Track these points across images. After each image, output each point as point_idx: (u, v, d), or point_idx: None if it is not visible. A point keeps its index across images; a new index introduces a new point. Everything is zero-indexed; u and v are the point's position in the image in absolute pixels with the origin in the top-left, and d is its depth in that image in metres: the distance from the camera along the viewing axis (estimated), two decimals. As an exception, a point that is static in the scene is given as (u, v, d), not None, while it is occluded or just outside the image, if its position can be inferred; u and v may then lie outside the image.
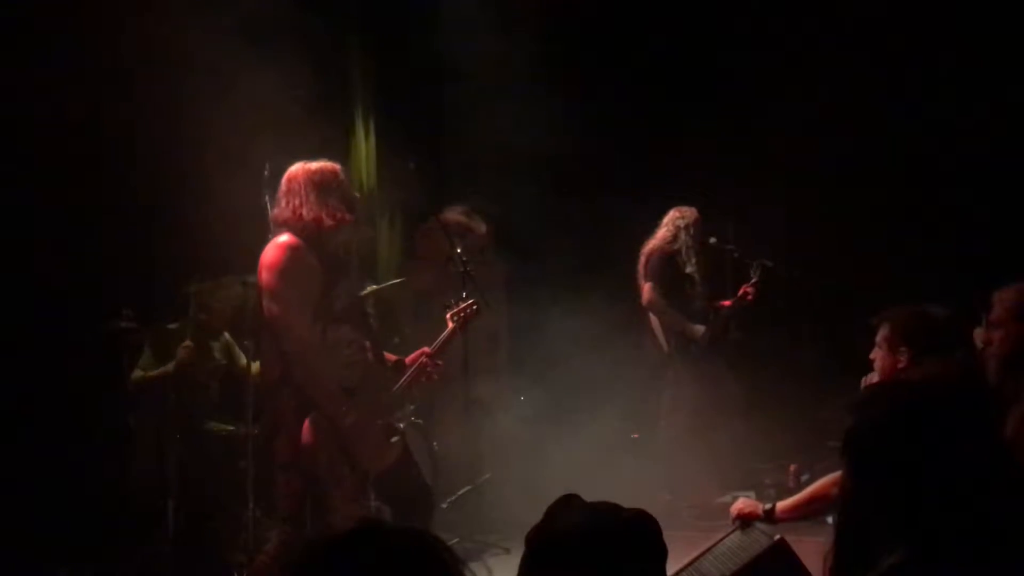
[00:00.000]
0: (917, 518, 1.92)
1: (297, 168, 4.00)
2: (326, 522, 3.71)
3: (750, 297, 6.75)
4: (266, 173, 4.50)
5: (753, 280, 6.75)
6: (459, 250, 6.03)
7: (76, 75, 5.18)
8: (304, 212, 3.89)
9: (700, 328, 6.62)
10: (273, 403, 3.96)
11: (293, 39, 6.02)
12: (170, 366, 5.49)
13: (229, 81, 5.48)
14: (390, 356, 4.28)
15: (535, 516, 1.96)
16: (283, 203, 3.94)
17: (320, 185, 3.93)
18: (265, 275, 3.84)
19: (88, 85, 5.23)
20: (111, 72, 5.31)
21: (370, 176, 7.46)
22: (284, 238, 3.87)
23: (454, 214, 7.24)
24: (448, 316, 4.46)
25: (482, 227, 7.38)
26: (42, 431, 5.09)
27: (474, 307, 4.48)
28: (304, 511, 3.82)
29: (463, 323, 4.45)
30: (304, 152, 4.17)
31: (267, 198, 4.46)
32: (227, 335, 5.88)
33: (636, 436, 7.24)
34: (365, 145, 7.40)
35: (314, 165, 4.00)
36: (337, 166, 4.06)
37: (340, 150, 7.08)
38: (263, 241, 4.08)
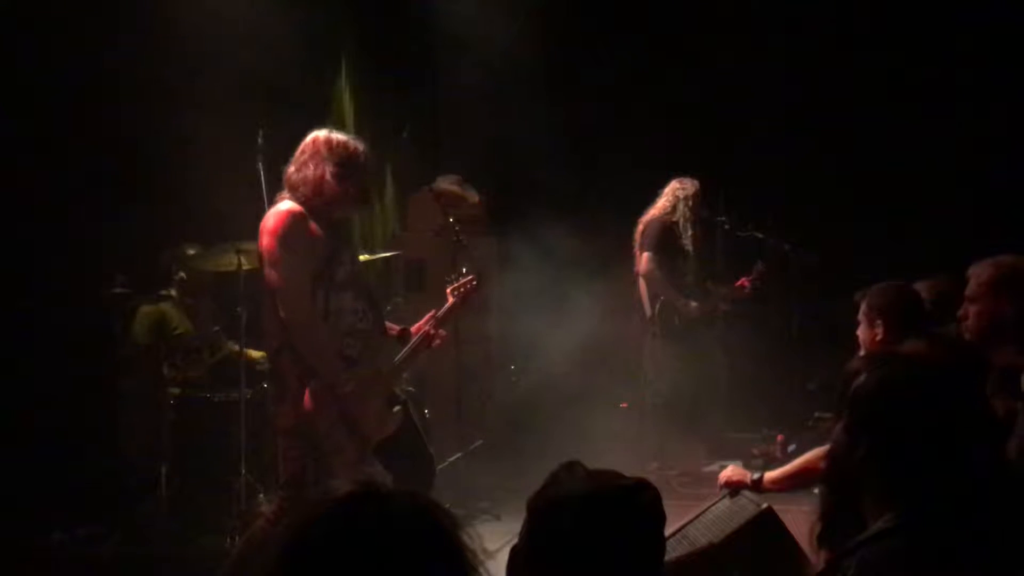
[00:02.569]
0: (909, 484, 1.96)
1: (322, 134, 3.97)
2: (326, 488, 3.71)
3: (746, 292, 6.79)
4: (259, 140, 4.49)
5: (753, 276, 6.78)
6: (452, 220, 6.03)
7: (75, 46, 5.18)
8: (315, 176, 3.85)
9: (693, 305, 6.65)
10: (275, 370, 3.96)
11: (285, 5, 6.00)
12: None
13: (222, 48, 5.46)
14: (393, 326, 4.28)
15: (524, 483, 1.99)
16: (298, 165, 3.90)
17: (341, 157, 3.90)
18: (265, 240, 3.82)
19: (86, 55, 5.22)
20: (108, 42, 5.30)
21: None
22: (286, 204, 3.85)
23: (447, 184, 7.24)
24: (448, 291, 4.44)
25: (475, 197, 7.38)
26: (38, 396, 5.12)
27: (474, 283, 4.47)
28: (304, 477, 3.84)
29: (463, 298, 4.44)
30: (296, 120, 4.14)
31: (260, 165, 4.45)
32: (210, 302, 5.90)
33: (624, 405, 7.29)
34: (356, 113, 7.38)
35: (340, 136, 3.97)
36: (362, 145, 4.02)
37: (331, 118, 7.07)
38: (257, 208, 4.08)
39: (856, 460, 2.02)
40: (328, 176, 3.85)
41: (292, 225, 3.80)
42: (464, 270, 4.52)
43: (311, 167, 3.87)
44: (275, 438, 4.11)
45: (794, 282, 7.48)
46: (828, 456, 2.17)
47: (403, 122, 7.62)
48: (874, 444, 2.00)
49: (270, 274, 3.82)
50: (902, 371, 2.12)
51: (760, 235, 6.83)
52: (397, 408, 4.08)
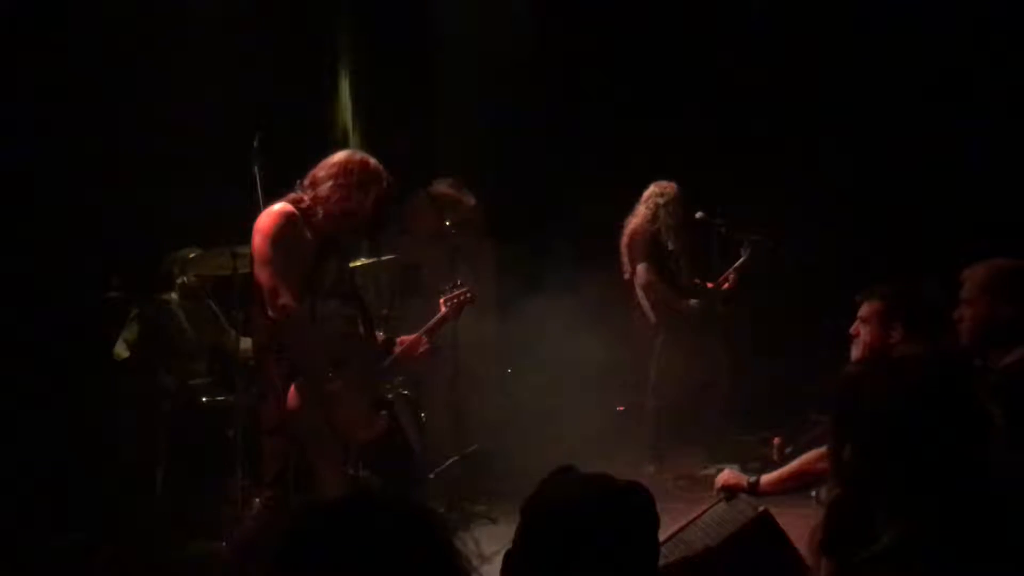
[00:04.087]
0: (917, 498, 1.94)
1: (359, 155, 4.05)
2: (310, 489, 3.76)
3: (728, 284, 6.80)
4: (255, 144, 4.50)
5: (735, 265, 6.79)
6: (448, 223, 6.03)
7: (73, 47, 5.18)
8: (329, 192, 3.91)
9: (693, 303, 6.67)
10: (261, 369, 3.99)
11: (283, 6, 5.99)
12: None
13: (221, 51, 5.46)
14: (378, 335, 4.31)
15: (521, 487, 1.99)
16: (323, 173, 3.95)
17: (363, 182, 3.95)
18: (256, 240, 3.88)
19: (85, 56, 5.23)
20: (107, 43, 5.30)
21: (358, 147, 7.43)
22: (280, 206, 3.90)
23: (443, 187, 7.23)
24: (442, 300, 4.49)
25: (471, 200, 7.37)
26: (34, 400, 5.11)
27: (468, 295, 4.51)
28: (288, 477, 3.86)
29: (455, 310, 4.49)
30: (293, 123, 4.17)
31: (256, 169, 4.46)
32: (212, 304, 5.90)
33: (621, 408, 7.28)
34: (353, 116, 7.37)
35: (374, 163, 4.03)
36: (388, 177, 4.06)
37: (328, 120, 7.07)
38: (253, 211, 4.10)
39: (862, 473, 2.00)
40: (338, 197, 3.90)
41: (283, 226, 3.85)
42: (459, 281, 4.56)
43: (331, 180, 3.91)
44: (260, 438, 4.13)
45: (790, 283, 7.48)
46: (833, 470, 2.15)
47: (400, 125, 7.61)
48: (879, 458, 1.98)
49: (260, 273, 3.86)
50: (911, 384, 2.09)
51: (756, 237, 6.83)
52: (383, 412, 4.11)
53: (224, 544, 4.82)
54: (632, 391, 7.07)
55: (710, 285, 6.83)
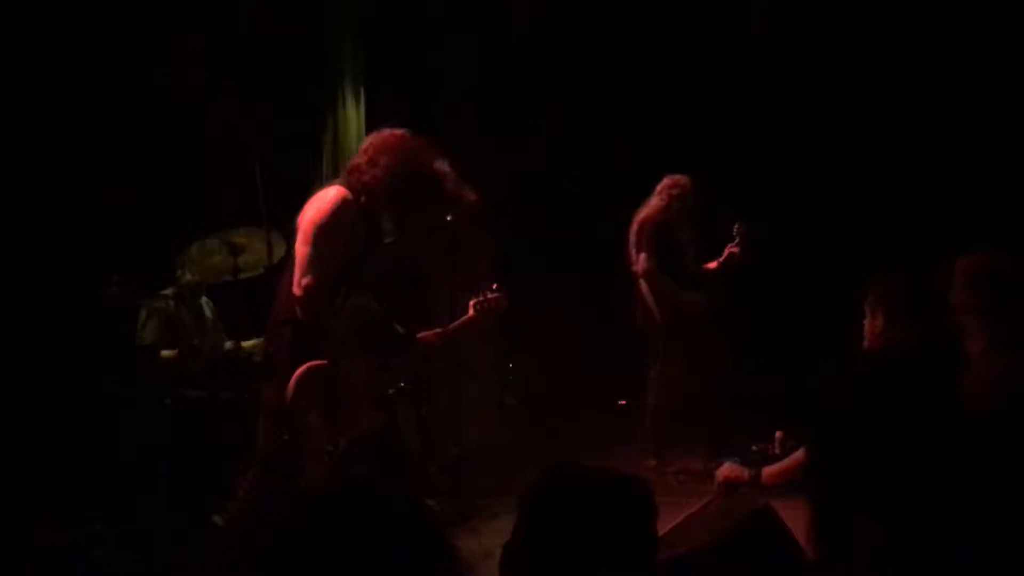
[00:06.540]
0: (878, 490, 1.93)
1: (399, 132, 4.09)
2: (294, 475, 3.76)
3: (736, 257, 6.77)
4: (256, 140, 4.50)
5: (736, 239, 6.77)
6: (448, 217, 6.03)
7: (74, 45, 5.18)
8: (375, 171, 3.96)
9: (695, 297, 6.66)
10: (272, 343, 4.00)
11: (286, 5, 5.99)
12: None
13: (221, 47, 5.46)
14: (399, 329, 4.32)
15: (523, 481, 1.99)
16: (366, 158, 3.97)
17: (404, 158, 3.99)
18: (309, 213, 3.92)
19: (85, 54, 5.23)
20: (108, 41, 5.30)
21: (359, 142, 7.42)
22: (335, 190, 3.94)
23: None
24: (472, 304, 4.49)
25: (471, 195, 7.36)
26: (37, 396, 5.11)
27: (502, 302, 4.51)
28: (278, 459, 3.86)
29: (484, 314, 4.49)
30: (295, 118, 4.18)
31: (256, 164, 4.47)
32: (210, 302, 5.91)
33: (623, 403, 7.28)
34: (355, 112, 7.36)
35: (411, 139, 4.10)
36: (437, 159, 4.12)
37: (329, 115, 7.06)
38: (254, 207, 4.11)
39: (823, 468, 2.00)
40: (385, 174, 3.93)
41: (338, 209, 3.90)
42: (495, 285, 4.56)
43: (372, 161, 3.95)
44: (258, 418, 4.14)
45: (792, 276, 7.48)
46: (803, 462, 2.16)
47: (402, 121, 7.60)
48: (837, 452, 1.98)
49: (301, 249, 3.87)
50: (858, 375, 2.08)
51: (751, 226, 6.82)
52: (381, 408, 4.11)
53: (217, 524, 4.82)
54: (633, 386, 7.07)
55: (713, 265, 6.81)
